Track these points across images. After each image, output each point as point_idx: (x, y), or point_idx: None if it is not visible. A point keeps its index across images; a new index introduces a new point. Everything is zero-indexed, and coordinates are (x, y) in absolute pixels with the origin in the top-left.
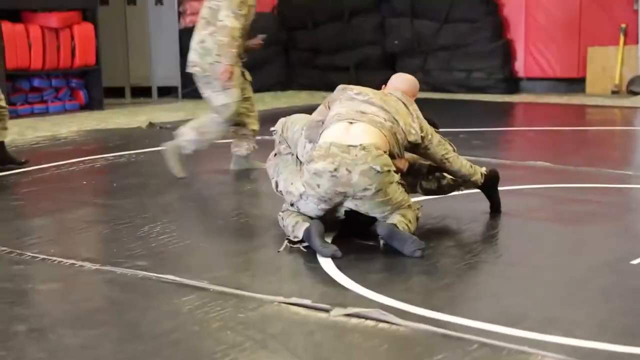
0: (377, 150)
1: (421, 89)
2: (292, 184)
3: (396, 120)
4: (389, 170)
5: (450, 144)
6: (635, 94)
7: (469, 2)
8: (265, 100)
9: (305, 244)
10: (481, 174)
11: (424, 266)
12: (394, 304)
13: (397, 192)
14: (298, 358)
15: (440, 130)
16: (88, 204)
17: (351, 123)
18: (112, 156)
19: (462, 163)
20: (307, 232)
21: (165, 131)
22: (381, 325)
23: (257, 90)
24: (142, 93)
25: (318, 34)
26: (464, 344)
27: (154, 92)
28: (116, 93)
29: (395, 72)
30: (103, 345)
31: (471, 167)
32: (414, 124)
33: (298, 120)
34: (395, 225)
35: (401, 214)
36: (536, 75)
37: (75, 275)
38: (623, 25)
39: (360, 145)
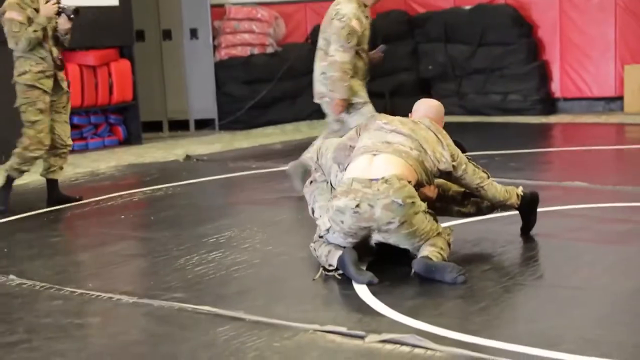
0: (400, 182)
1: (457, 113)
2: (320, 216)
3: (424, 149)
4: (412, 202)
5: (485, 171)
6: None
7: (502, 25)
8: (301, 130)
9: (340, 272)
10: (518, 196)
11: (460, 290)
12: (429, 328)
13: (424, 222)
14: None
15: (476, 153)
16: (125, 237)
17: (375, 155)
18: (150, 189)
19: (496, 189)
20: (341, 260)
21: (201, 163)
22: (417, 350)
23: (293, 119)
24: (179, 126)
25: None
26: None
27: (192, 125)
28: (154, 127)
29: (430, 97)
30: None
31: (506, 192)
32: (445, 152)
33: (332, 146)
34: (428, 257)
35: (431, 243)
36: (573, 96)
37: (113, 309)
38: None
39: (383, 178)
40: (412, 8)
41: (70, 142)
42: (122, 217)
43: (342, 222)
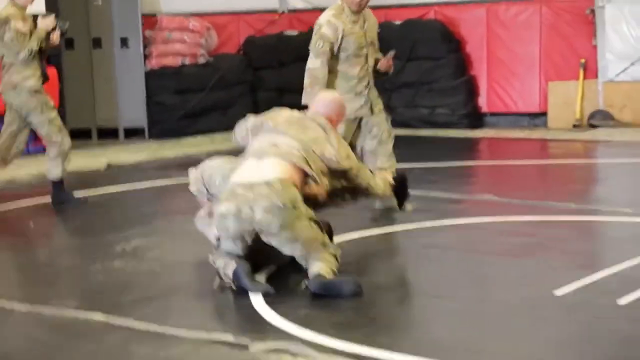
0: (281, 185)
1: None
2: (208, 225)
3: (312, 150)
4: (294, 207)
5: (371, 170)
6: (595, 127)
7: (431, 40)
8: (230, 139)
9: (237, 284)
10: (391, 184)
11: (353, 302)
12: (317, 338)
13: (307, 229)
14: None
15: (399, 165)
16: (31, 245)
17: (260, 159)
18: None
19: (381, 187)
20: (235, 272)
21: (122, 172)
22: (299, 359)
23: (224, 129)
24: (109, 135)
25: (284, 74)
26: None
27: (121, 133)
28: (83, 135)
29: None
30: None
31: (386, 185)
32: (334, 152)
33: (215, 173)
34: (321, 275)
35: (318, 258)
36: (499, 110)
37: (2, 316)
38: (582, 60)
39: (265, 181)
40: None
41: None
42: (32, 225)
43: (227, 228)
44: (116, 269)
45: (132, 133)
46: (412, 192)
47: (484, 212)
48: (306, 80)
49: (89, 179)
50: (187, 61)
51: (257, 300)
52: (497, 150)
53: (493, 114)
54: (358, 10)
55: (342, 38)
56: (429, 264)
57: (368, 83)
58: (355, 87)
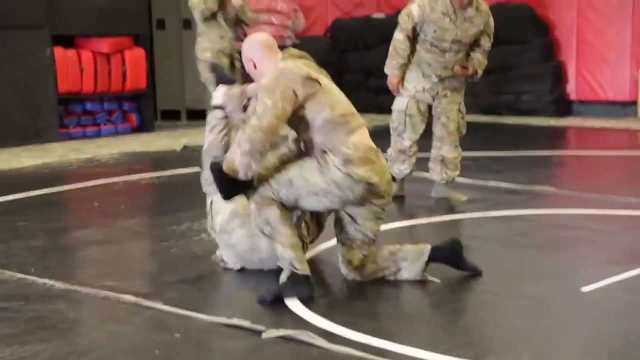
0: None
1: (470, 112)
2: (304, 178)
3: None
4: None
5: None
6: None
7: (516, 24)
8: None
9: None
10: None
11: (380, 292)
12: (334, 329)
13: None
14: None
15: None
16: (89, 224)
17: (363, 125)
18: (137, 178)
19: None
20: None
21: (197, 154)
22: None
23: None
24: (199, 116)
25: (369, 57)
26: None
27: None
28: (173, 116)
29: None
30: None
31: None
32: None
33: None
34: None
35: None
36: (588, 98)
37: (44, 293)
38: None
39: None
40: None
41: None
42: (96, 204)
43: (352, 190)
44: (160, 250)
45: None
46: (472, 181)
47: (539, 204)
48: (389, 50)
49: (164, 160)
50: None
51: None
52: (579, 140)
53: (582, 102)
54: (460, 7)
55: (423, 23)
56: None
57: (441, 75)
58: (424, 69)
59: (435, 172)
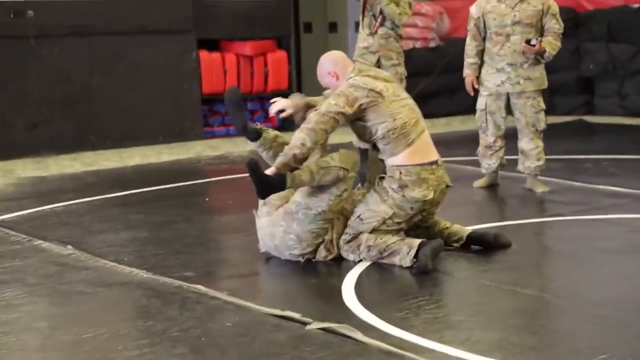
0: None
1: (617, 114)
2: (370, 210)
3: None
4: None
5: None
6: None
7: None
8: (452, 124)
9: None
10: None
11: (431, 291)
12: (382, 325)
13: None
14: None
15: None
16: (190, 220)
17: (423, 132)
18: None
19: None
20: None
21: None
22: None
23: (446, 114)
24: None
25: None
26: None
27: None
28: None
29: (592, 97)
30: None
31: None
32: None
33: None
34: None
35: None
36: None
37: (129, 280)
38: None
39: (437, 161)
40: (580, 5)
41: None
42: (206, 199)
43: (411, 208)
44: (245, 245)
45: None
46: (580, 184)
47: (638, 210)
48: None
49: None
50: (418, 45)
51: (347, 284)
52: None
53: None
54: None
55: (483, 15)
56: (534, 257)
57: (512, 61)
58: (496, 64)
59: (520, 163)
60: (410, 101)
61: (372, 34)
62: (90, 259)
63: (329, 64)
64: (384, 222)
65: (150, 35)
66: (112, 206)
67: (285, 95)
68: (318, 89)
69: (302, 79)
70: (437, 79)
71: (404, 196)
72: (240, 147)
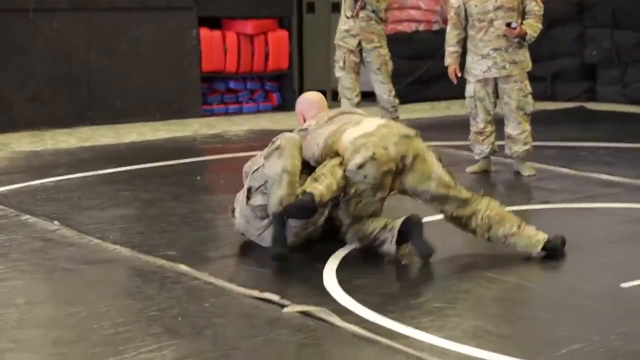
0: (395, 123)
1: (619, 101)
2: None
3: None
4: (416, 134)
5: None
6: None
7: None
8: (451, 108)
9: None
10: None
11: (406, 277)
12: (359, 309)
13: (437, 163)
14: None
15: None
16: (179, 198)
17: (358, 123)
18: (248, 155)
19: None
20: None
21: None
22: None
23: (448, 97)
24: None
25: None
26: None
27: None
28: None
29: (594, 83)
30: None
31: None
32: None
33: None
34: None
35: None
36: None
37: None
38: None
39: (378, 125)
40: None
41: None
42: (198, 178)
43: (365, 176)
44: (230, 225)
45: (364, 96)
46: (575, 172)
47: (629, 199)
48: None
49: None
50: (421, 27)
51: (329, 268)
52: None
53: None
54: None
55: (464, 3)
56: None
57: (496, 46)
58: (480, 50)
59: (507, 148)
60: (347, 120)
61: (353, 16)
62: (75, 235)
63: (303, 105)
64: (356, 204)
65: (151, 11)
66: (102, 183)
67: (282, 76)
68: (319, 69)
69: (303, 59)
70: (439, 62)
71: (350, 169)
72: (237, 125)
